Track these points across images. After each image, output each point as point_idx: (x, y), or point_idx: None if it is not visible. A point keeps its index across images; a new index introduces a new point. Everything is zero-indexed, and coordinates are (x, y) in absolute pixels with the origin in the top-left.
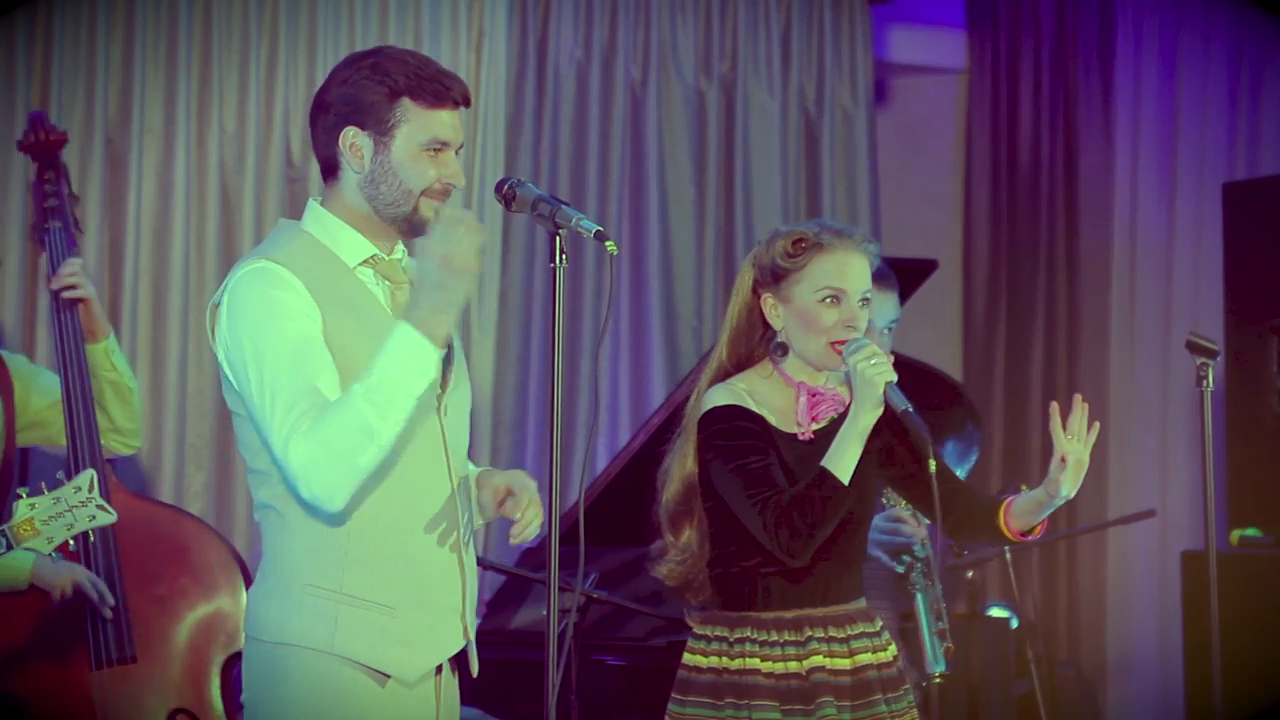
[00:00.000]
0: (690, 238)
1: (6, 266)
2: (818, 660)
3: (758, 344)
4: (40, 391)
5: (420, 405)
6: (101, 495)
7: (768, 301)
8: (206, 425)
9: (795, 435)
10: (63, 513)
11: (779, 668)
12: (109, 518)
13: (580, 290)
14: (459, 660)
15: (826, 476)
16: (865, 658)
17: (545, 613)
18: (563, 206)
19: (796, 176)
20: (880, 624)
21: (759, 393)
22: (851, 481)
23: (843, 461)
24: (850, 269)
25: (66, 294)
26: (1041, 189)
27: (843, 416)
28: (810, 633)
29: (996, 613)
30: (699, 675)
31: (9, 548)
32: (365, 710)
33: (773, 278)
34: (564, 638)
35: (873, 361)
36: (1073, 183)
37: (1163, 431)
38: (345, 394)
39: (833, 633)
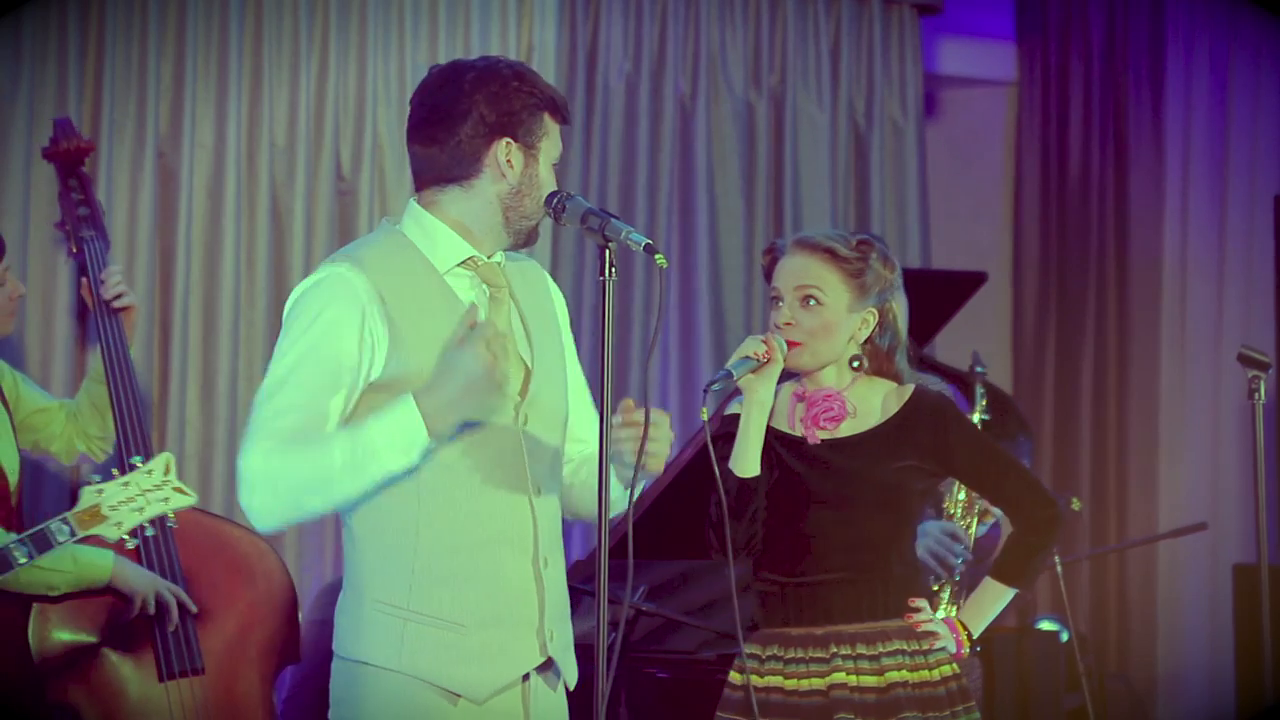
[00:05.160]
0: (739, 251)
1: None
2: (840, 677)
3: None
4: (28, 396)
5: (492, 413)
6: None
7: None
8: None
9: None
10: (133, 497)
11: (803, 685)
12: (187, 500)
13: (629, 303)
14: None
15: (728, 476)
16: (897, 675)
17: (594, 625)
18: (612, 220)
19: (846, 189)
20: (929, 644)
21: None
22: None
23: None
24: (786, 268)
25: (117, 302)
26: (1092, 201)
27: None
28: (835, 649)
29: (1047, 625)
30: (734, 692)
31: (72, 534)
32: None
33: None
34: (613, 651)
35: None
36: (1123, 195)
37: (1214, 444)
38: (329, 436)
39: (861, 650)
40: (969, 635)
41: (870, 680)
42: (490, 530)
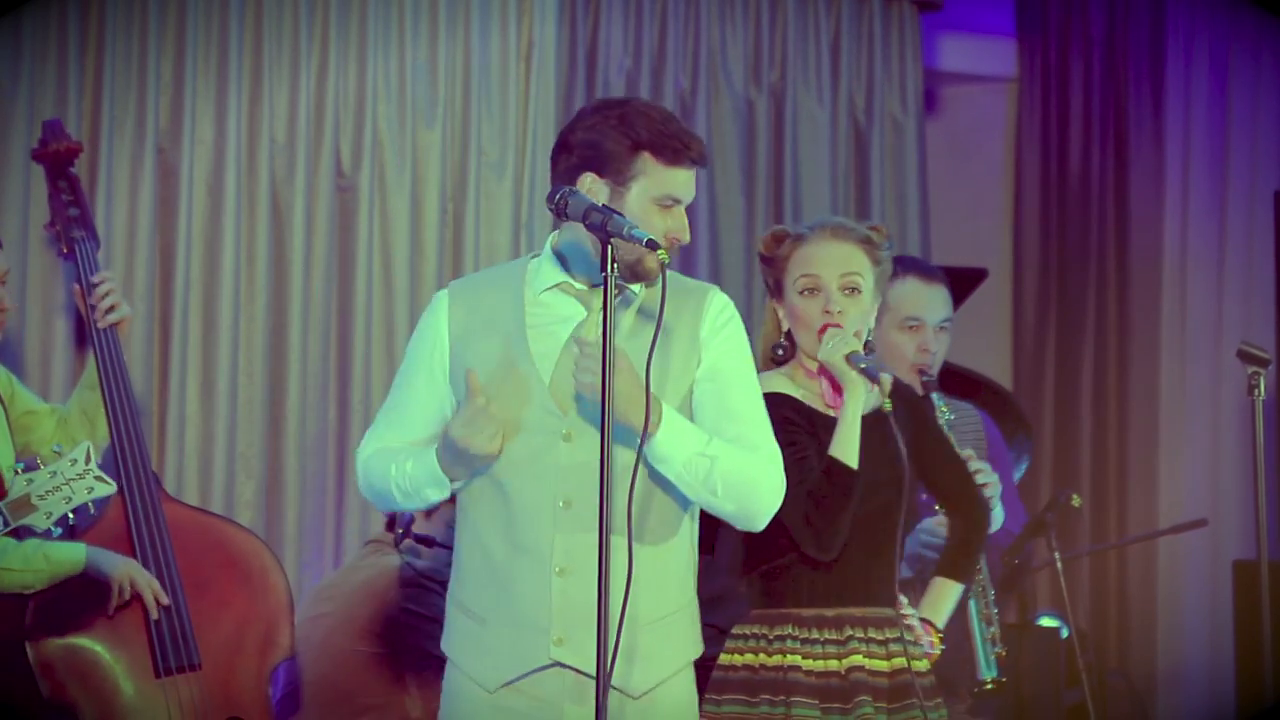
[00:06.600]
0: (739, 247)
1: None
2: (857, 660)
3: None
4: (22, 396)
5: (534, 430)
6: (100, 468)
7: (770, 306)
8: (257, 434)
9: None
10: (59, 486)
11: (820, 665)
12: (108, 488)
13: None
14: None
15: (836, 464)
16: (901, 661)
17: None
18: (614, 216)
19: (846, 186)
20: (915, 637)
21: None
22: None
23: (846, 448)
24: (825, 256)
25: (110, 315)
26: (1092, 197)
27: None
28: (850, 632)
29: (1047, 622)
30: (733, 673)
31: (5, 524)
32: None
33: (769, 281)
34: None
35: (831, 345)
36: (1123, 191)
37: (1214, 440)
38: (394, 460)
39: (872, 634)
40: (938, 632)
41: (880, 665)
42: (512, 536)
